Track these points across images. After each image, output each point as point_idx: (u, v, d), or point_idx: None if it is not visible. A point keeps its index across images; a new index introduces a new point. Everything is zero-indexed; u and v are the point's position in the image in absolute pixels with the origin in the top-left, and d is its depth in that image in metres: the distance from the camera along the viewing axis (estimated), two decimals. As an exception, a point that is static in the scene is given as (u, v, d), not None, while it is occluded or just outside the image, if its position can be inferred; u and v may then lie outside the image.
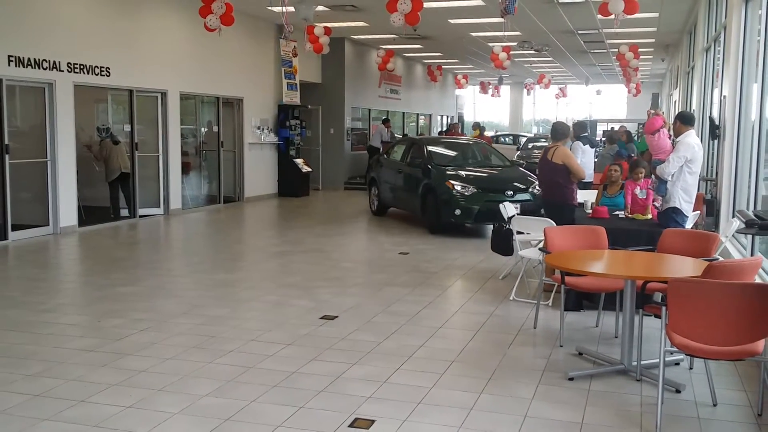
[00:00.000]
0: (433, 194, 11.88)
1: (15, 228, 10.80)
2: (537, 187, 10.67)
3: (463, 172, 12.18)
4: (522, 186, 11.68)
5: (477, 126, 22.88)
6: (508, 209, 8.31)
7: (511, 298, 7.39)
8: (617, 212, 7.58)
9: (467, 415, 4.33)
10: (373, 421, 4.22)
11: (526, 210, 9.97)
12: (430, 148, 13.21)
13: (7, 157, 10.56)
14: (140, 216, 13.40)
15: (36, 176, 11.38)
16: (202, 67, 14.95)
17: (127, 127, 13.30)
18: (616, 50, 19.66)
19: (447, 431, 4.11)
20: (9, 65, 10.42)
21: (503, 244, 7.98)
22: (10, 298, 7.30)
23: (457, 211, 11.35)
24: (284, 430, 4.10)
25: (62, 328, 6.16)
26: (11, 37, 10.44)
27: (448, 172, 12.05)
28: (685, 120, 6.86)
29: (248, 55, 16.71)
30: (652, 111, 18.30)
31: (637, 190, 7.23)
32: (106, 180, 13.15)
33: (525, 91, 36.42)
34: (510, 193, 11.25)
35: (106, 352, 5.49)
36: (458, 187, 11.51)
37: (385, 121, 21.47)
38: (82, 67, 11.75)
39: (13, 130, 11.06)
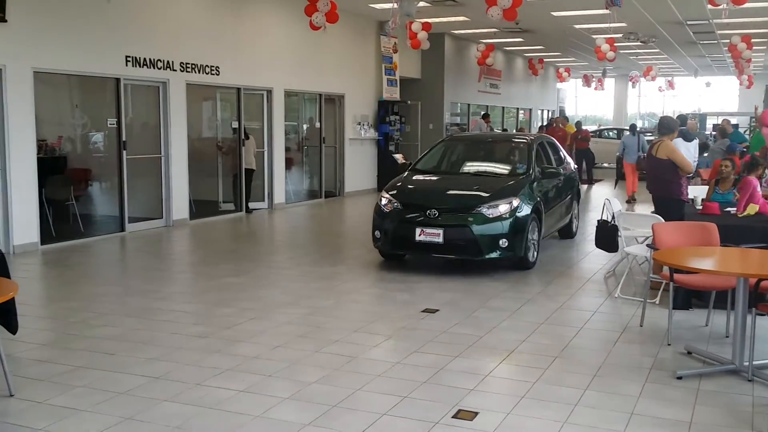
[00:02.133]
0: None
1: (131, 220, 11.40)
2: (511, 207, 8.06)
3: (423, 177, 9.10)
4: (477, 202, 8.08)
5: (566, 119, 22.38)
6: (614, 205, 8.14)
7: (616, 295, 7.24)
8: (728, 209, 7.30)
9: (572, 411, 4.30)
10: (476, 414, 4.25)
11: (450, 240, 7.95)
12: (436, 148, 9.94)
13: (124, 153, 11.15)
14: (246, 210, 13.86)
15: (151, 171, 11.96)
16: (306, 65, 15.30)
17: (235, 124, 13.78)
18: (728, 41, 18.81)
19: (552, 426, 4.10)
20: (127, 65, 10.99)
21: (608, 240, 7.82)
22: (128, 286, 7.73)
23: (377, 233, 8.52)
24: (389, 418, 4.19)
25: (176, 315, 6.48)
26: (129, 39, 11.00)
27: (403, 179, 9.05)
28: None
29: (349, 52, 16.96)
30: (757, 106, 17.40)
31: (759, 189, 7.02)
32: (232, 174, 13.72)
33: (630, 83, 35.32)
34: (434, 213, 8.00)
35: (218, 339, 5.74)
36: (383, 201, 8.55)
37: (485, 116, 21.32)
38: (193, 66, 12.25)
39: (130, 128, 11.66)
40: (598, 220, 8.14)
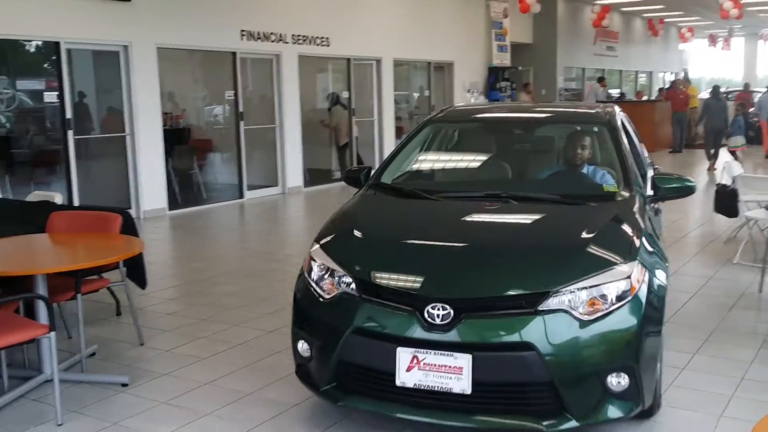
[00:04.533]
0: None
1: (250, 188, 11.92)
2: (630, 286, 3.35)
3: (398, 206, 4.49)
4: (542, 281, 3.41)
5: (686, 81, 21.21)
6: (734, 168, 7.80)
7: (734, 261, 6.98)
8: None
9: (679, 374, 4.25)
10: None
11: (486, 385, 3.34)
12: (417, 138, 5.08)
13: (242, 123, 11.64)
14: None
15: (267, 141, 12.42)
16: (414, 33, 15.33)
17: (345, 94, 14.04)
18: None
19: (656, 387, 4.06)
20: (241, 39, 11.41)
21: (727, 205, 7.52)
22: (246, 249, 8.15)
23: (301, 346, 4.48)
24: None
25: (291, 276, 6.78)
26: (244, 14, 11.41)
27: (356, 210, 4.50)
28: None
29: (458, 19, 16.85)
30: None
31: None
32: (336, 145, 14.03)
33: (761, 42, 33.16)
34: (442, 310, 3.31)
35: (329, 298, 5.98)
36: (315, 269, 3.91)
37: (600, 80, 20.70)
38: (304, 38, 12.56)
39: (247, 100, 12.13)
40: (717, 184, 7.82)
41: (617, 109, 5.09)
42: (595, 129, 4.83)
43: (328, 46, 13.09)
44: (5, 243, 4.46)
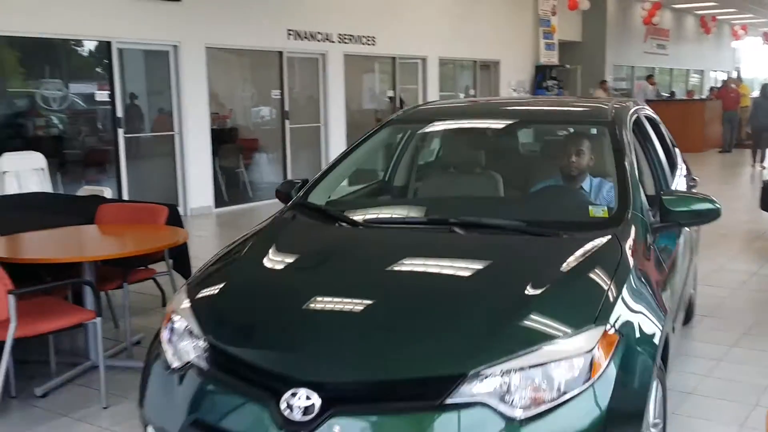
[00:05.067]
0: None
1: (294, 185, 12.07)
2: (595, 358, 2.29)
3: (313, 240, 3.40)
4: (468, 353, 2.33)
5: (739, 80, 20.68)
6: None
7: (780, 258, 6.86)
8: None
9: (715, 365, 4.22)
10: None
11: None
12: (369, 145, 4.15)
13: (287, 122, 11.82)
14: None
15: (311, 140, 12.58)
16: (460, 32, 15.34)
17: (390, 93, 14.13)
18: None
19: (692, 378, 4.05)
20: (288, 39, 11.60)
21: (774, 201, 7.36)
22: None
23: None
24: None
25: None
26: (290, 13, 11.59)
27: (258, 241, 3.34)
28: None
29: (505, 16, 16.79)
30: None
31: None
32: None
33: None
34: (305, 401, 2.26)
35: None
36: (165, 337, 2.94)
37: (649, 77, 20.38)
38: (350, 37, 12.69)
39: (292, 99, 12.31)
40: (764, 181, 7.68)
41: (638, 104, 4.15)
42: (593, 130, 3.79)
43: (373, 45, 13.20)
44: (55, 233, 4.65)
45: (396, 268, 2.83)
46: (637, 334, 2.46)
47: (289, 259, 3.06)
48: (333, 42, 12.38)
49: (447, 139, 4.50)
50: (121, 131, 9.44)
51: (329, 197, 3.67)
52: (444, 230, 3.05)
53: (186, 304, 2.74)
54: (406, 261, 2.90)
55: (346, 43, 12.62)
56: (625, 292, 2.53)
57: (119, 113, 9.42)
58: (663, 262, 3.14)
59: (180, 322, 2.67)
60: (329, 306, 2.64)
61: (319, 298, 2.63)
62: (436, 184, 4.13)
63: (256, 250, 3.08)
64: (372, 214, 3.58)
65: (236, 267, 3.01)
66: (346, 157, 3.89)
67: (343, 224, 3.28)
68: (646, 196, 3.23)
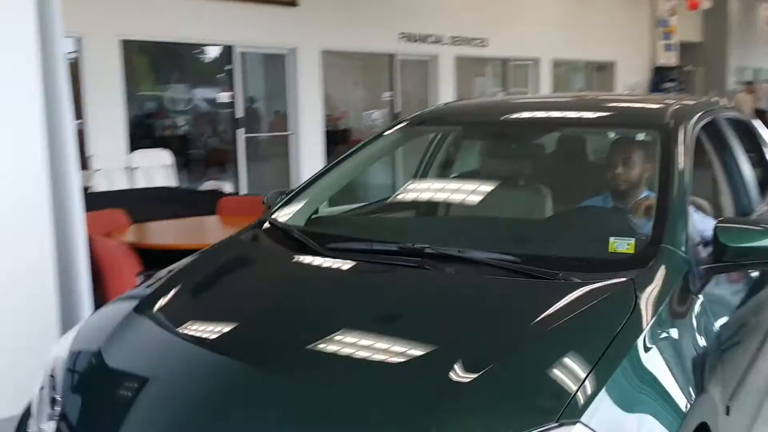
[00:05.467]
0: None
1: (403, 187, 12.22)
2: None
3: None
4: None
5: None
6: None
7: None
8: None
9: None
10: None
11: None
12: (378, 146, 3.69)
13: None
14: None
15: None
16: (574, 32, 15.04)
17: (500, 95, 14.04)
18: None
19: None
20: (400, 42, 11.76)
21: None
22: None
23: None
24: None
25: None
26: (402, 16, 11.74)
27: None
28: None
29: (620, 17, 16.35)
30: None
31: None
32: None
33: None
34: None
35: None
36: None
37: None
38: (462, 39, 12.72)
39: (403, 101, 12.45)
40: None
41: (717, 104, 3.32)
42: (642, 137, 3.04)
43: (485, 46, 13.16)
44: (179, 223, 4.97)
45: (333, 325, 2.01)
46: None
47: (205, 308, 2.34)
48: (444, 44, 12.45)
49: (471, 146, 3.84)
50: (240, 131, 9.88)
51: (313, 214, 3.04)
52: (411, 267, 2.27)
53: (62, 364, 2.11)
54: (350, 313, 2.13)
55: (457, 45, 12.66)
56: (622, 370, 1.76)
57: (239, 114, 9.85)
58: (713, 320, 2.27)
59: (50, 382, 2.09)
60: (212, 383, 1.87)
61: (214, 372, 1.92)
62: (420, 201, 3.52)
63: (167, 288, 2.45)
64: (340, 241, 2.61)
65: (137, 312, 2.27)
66: (329, 170, 3.27)
67: (297, 256, 2.53)
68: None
